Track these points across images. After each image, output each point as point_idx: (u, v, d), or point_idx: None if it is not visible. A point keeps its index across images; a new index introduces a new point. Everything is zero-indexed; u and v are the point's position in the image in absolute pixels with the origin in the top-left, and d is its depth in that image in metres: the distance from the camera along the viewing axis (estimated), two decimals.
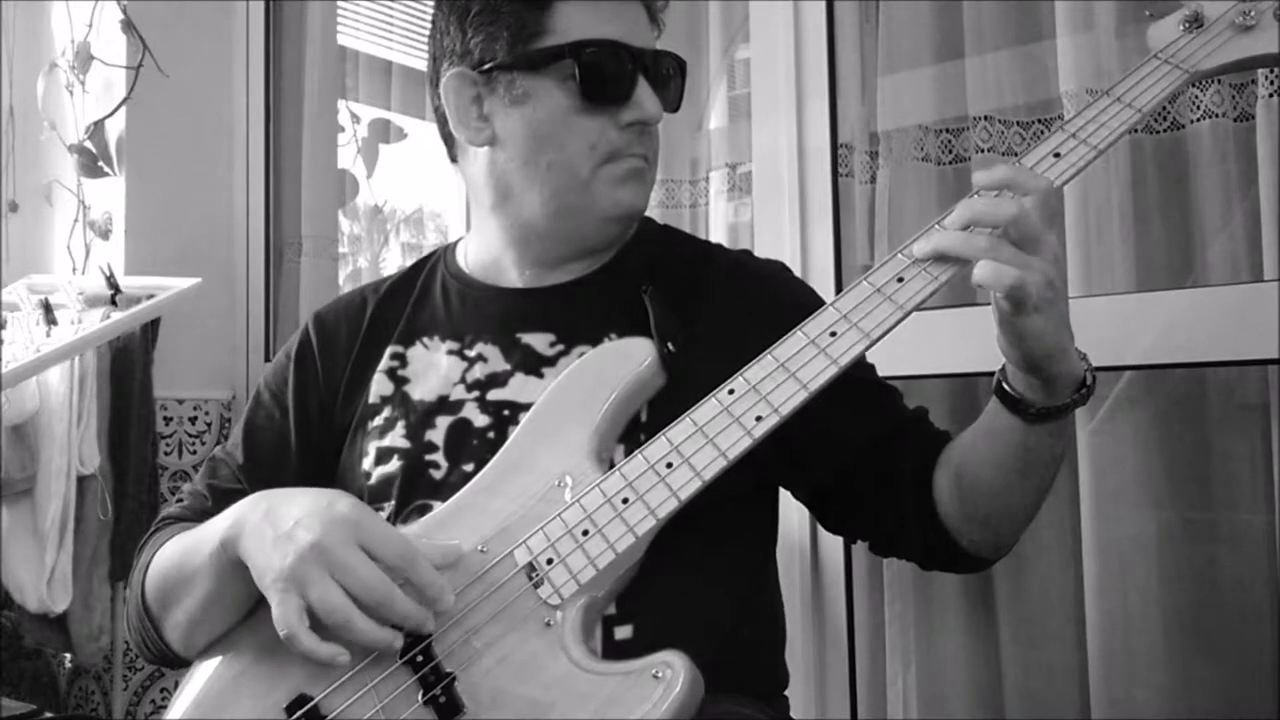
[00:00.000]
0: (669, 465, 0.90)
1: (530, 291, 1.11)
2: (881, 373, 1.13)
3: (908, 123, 1.67)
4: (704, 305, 1.08)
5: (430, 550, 0.89)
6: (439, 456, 1.04)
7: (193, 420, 2.37)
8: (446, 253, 1.20)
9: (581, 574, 0.88)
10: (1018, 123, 1.57)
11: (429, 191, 3.26)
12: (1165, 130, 1.45)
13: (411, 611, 0.85)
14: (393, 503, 1.04)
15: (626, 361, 0.99)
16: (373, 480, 1.06)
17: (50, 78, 2.38)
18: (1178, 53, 0.96)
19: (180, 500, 1.14)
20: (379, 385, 1.11)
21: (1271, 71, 1.33)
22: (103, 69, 2.34)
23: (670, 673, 0.81)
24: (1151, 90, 0.94)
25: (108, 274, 2.03)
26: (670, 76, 1.08)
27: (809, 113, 1.68)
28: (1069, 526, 1.48)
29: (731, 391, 0.91)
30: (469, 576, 0.89)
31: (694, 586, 0.98)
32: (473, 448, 1.03)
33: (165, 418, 2.31)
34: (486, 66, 1.05)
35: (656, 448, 0.91)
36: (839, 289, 1.59)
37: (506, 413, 1.04)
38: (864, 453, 1.05)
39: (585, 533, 0.89)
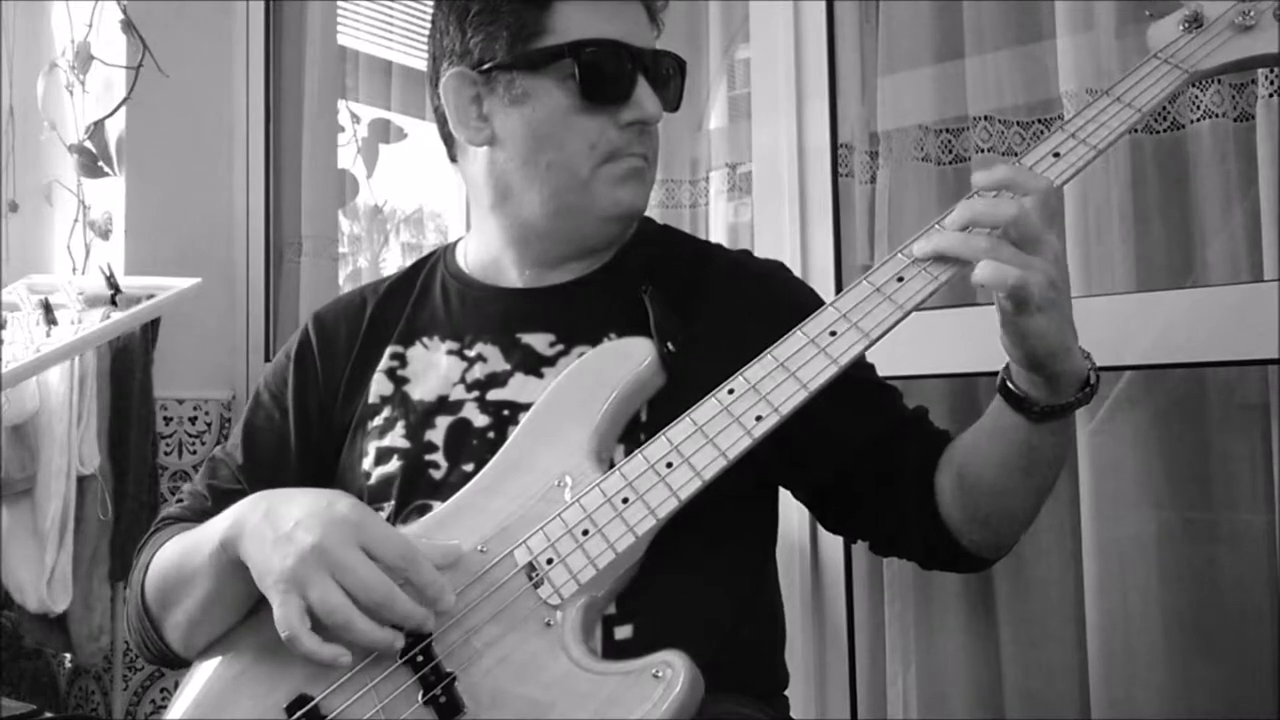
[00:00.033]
0: (669, 465, 0.90)
1: (530, 291, 1.11)
2: (881, 373, 1.13)
3: (908, 123, 1.67)
4: (704, 305, 1.08)
5: (430, 550, 0.89)
6: (439, 456, 1.04)
7: (193, 420, 2.37)
8: (446, 253, 1.20)
9: (581, 574, 0.88)
10: (1018, 123, 1.57)
11: (429, 191, 3.26)
12: (1165, 130, 1.45)
13: (412, 611, 0.85)
14: (392, 503, 1.04)
15: (626, 361, 0.99)
16: (372, 480, 1.06)
17: (50, 78, 2.38)
18: (1177, 53, 0.96)
19: (180, 500, 1.14)
20: (379, 385, 1.11)
21: (1271, 71, 1.33)
22: (103, 69, 2.34)
23: (670, 672, 0.81)
24: (1151, 90, 0.94)
25: (108, 274, 2.03)
26: (670, 76, 1.08)
27: (809, 113, 1.68)
28: (1069, 527, 1.48)
29: (731, 391, 0.91)
30: (469, 576, 0.89)
31: (694, 586, 0.98)
32: (472, 448, 1.03)
33: (165, 418, 2.31)
34: (486, 66, 1.05)
35: (656, 447, 0.91)
36: (839, 289, 1.58)
37: (506, 413, 1.04)
38: (864, 452, 1.05)
39: (585, 532, 0.89)
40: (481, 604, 0.88)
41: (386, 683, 0.86)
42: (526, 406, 1.01)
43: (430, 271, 1.19)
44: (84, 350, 2.00)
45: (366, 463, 1.08)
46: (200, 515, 1.05)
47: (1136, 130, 1.45)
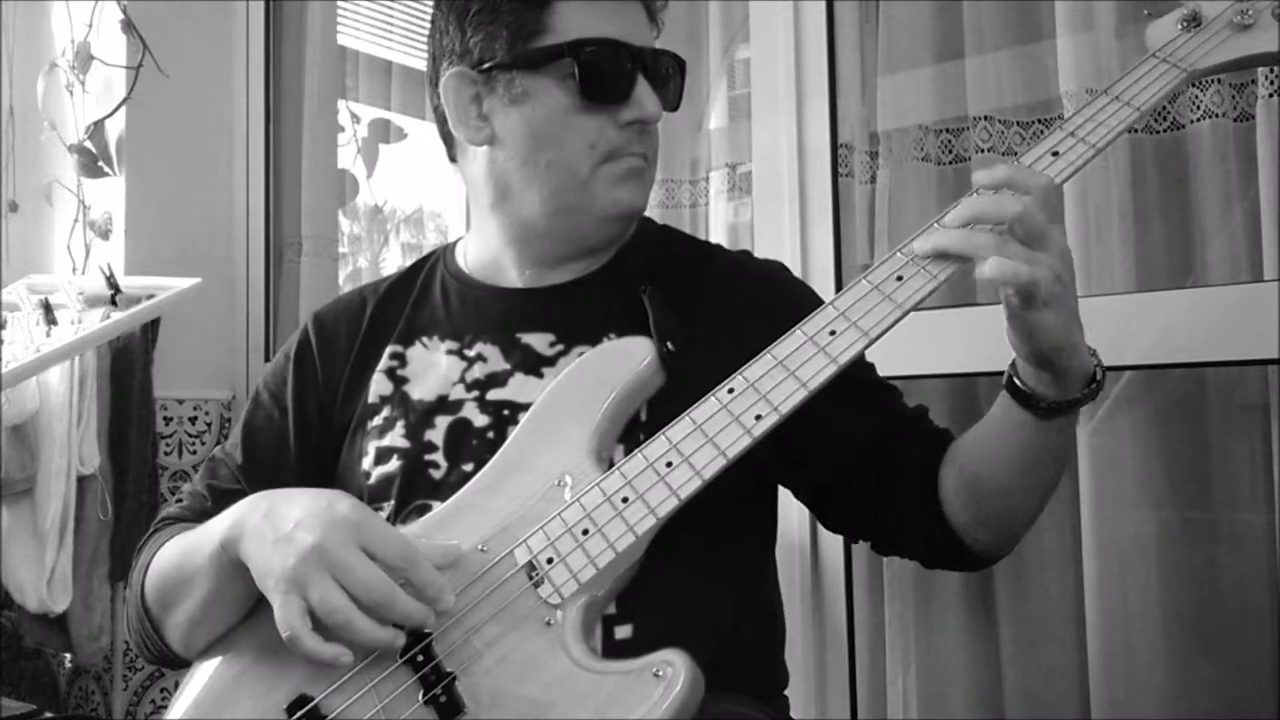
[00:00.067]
0: (669, 464, 0.90)
1: (530, 291, 1.11)
2: (881, 373, 1.13)
3: (908, 123, 1.67)
4: (703, 305, 1.08)
5: (430, 550, 0.88)
6: (438, 456, 1.04)
7: (193, 420, 2.37)
8: (446, 252, 1.20)
9: (581, 573, 0.88)
10: (1018, 123, 1.57)
11: (429, 191, 3.27)
12: (1165, 130, 1.45)
13: (412, 611, 0.85)
14: (392, 502, 1.04)
15: (626, 361, 0.99)
16: (372, 480, 1.06)
17: (50, 78, 2.38)
18: (1175, 51, 0.96)
19: (179, 500, 1.14)
20: (378, 385, 1.11)
21: (1271, 71, 1.33)
22: (103, 69, 2.34)
23: (671, 671, 0.81)
24: (1150, 89, 0.95)
25: (108, 274, 2.03)
26: (669, 75, 1.09)
27: (809, 113, 1.68)
28: (1069, 527, 1.48)
29: (731, 390, 0.91)
30: (469, 576, 0.89)
31: (694, 585, 0.98)
32: (472, 447, 1.03)
33: (165, 418, 2.31)
34: (486, 66, 1.05)
35: (656, 446, 0.91)
36: (839, 289, 1.58)
37: (506, 412, 1.04)
38: (863, 451, 1.05)
39: (585, 532, 0.89)
40: (482, 603, 0.88)
41: (387, 682, 0.86)
42: (526, 406, 1.01)
43: (430, 271, 1.19)
44: (84, 350, 2.00)
45: (366, 462, 1.08)
46: (200, 515, 1.05)
47: (1136, 130, 1.45)
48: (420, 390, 1.08)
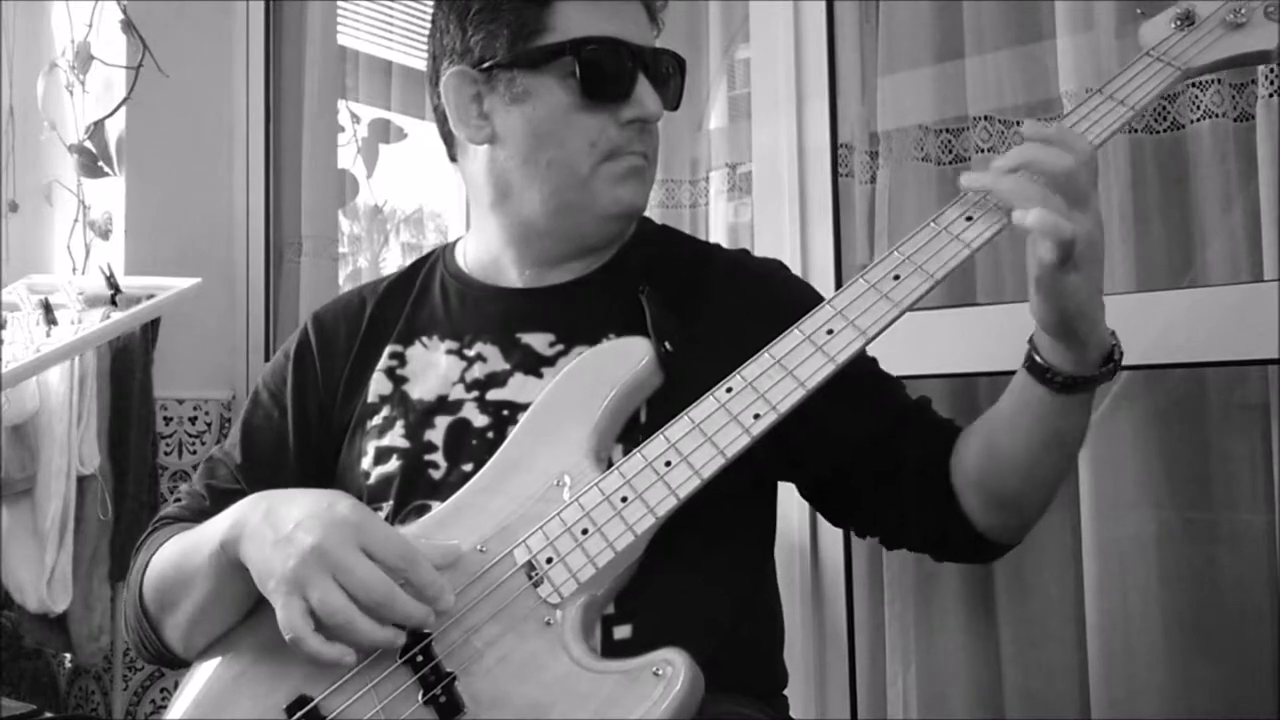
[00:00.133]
0: (667, 463, 0.90)
1: (530, 291, 1.11)
2: None
3: (908, 123, 1.67)
4: (703, 305, 1.08)
5: (430, 550, 0.88)
6: (438, 456, 1.04)
7: (193, 420, 2.37)
8: (445, 252, 1.20)
9: (581, 572, 0.88)
10: (1018, 123, 1.57)
11: (429, 191, 3.27)
12: (1165, 130, 1.45)
13: (413, 611, 0.84)
14: (391, 502, 1.04)
15: (625, 361, 0.99)
16: (372, 480, 1.06)
17: (50, 78, 2.38)
18: (1169, 50, 0.97)
19: (178, 500, 1.14)
20: (378, 385, 1.11)
21: (1271, 71, 1.33)
22: (103, 69, 2.34)
23: (671, 670, 0.81)
24: (1144, 88, 0.95)
25: (108, 274, 2.03)
26: (670, 75, 1.09)
27: (809, 113, 1.68)
28: (1069, 526, 1.48)
29: (729, 389, 0.91)
30: (468, 576, 0.89)
31: (693, 585, 0.98)
32: (472, 447, 1.03)
33: (165, 418, 2.31)
34: (487, 65, 1.05)
35: (655, 446, 0.91)
36: (839, 289, 1.58)
37: (505, 412, 1.04)
38: (862, 450, 1.05)
39: (584, 531, 0.89)
40: (481, 603, 0.88)
41: (386, 683, 0.86)
42: (526, 406, 1.01)
43: (429, 271, 1.19)
44: (84, 350, 2.00)
45: (366, 462, 1.07)
46: (198, 515, 1.04)
47: (1136, 130, 1.45)
48: (420, 390, 1.08)
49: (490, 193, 1.09)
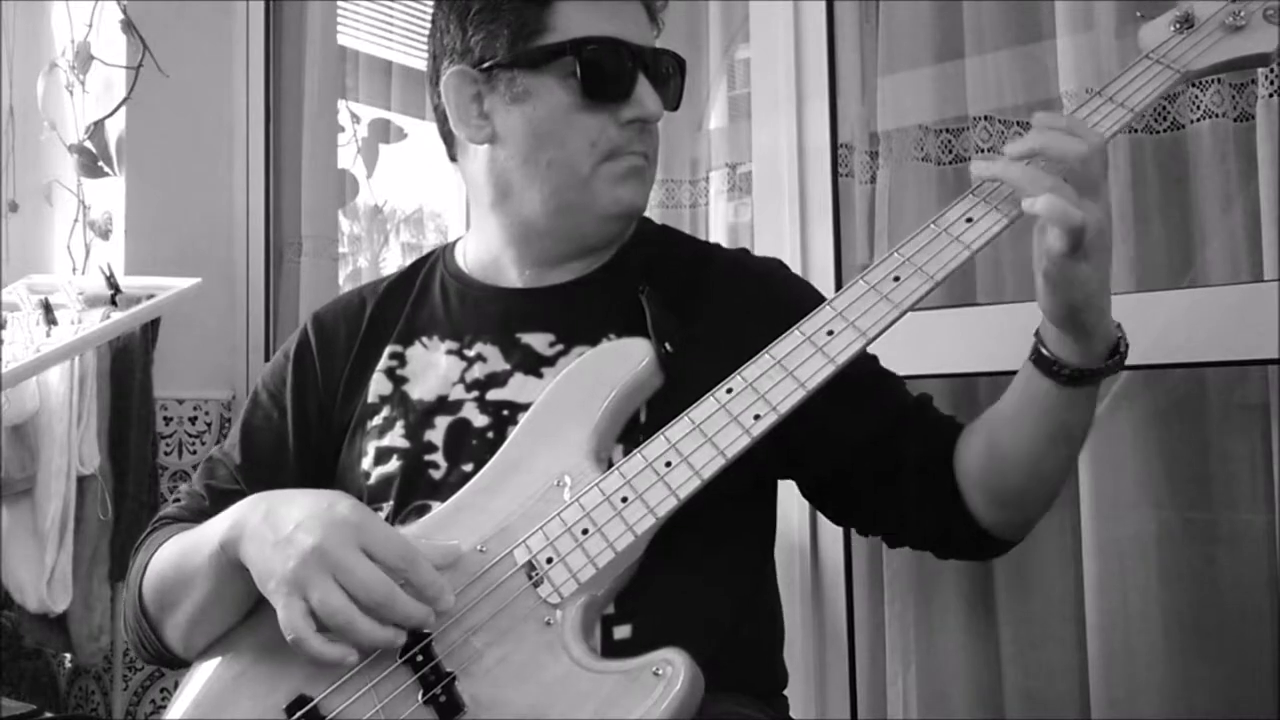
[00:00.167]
0: (668, 464, 0.90)
1: (530, 291, 1.11)
2: None
3: (908, 123, 1.67)
4: (703, 305, 1.08)
5: (430, 551, 0.88)
6: (438, 456, 1.04)
7: (193, 420, 2.37)
8: (445, 252, 1.20)
9: (581, 573, 0.88)
10: (1018, 123, 1.57)
11: (429, 191, 3.27)
12: (1165, 130, 1.45)
13: (413, 611, 0.84)
14: (391, 503, 1.04)
15: (625, 362, 0.99)
16: (372, 480, 1.06)
17: (50, 78, 2.38)
18: (1168, 53, 0.97)
19: (177, 500, 1.14)
20: (378, 385, 1.11)
21: (1271, 71, 1.33)
22: (103, 69, 2.34)
23: (671, 670, 0.81)
24: (1143, 90, 0.95)
25: (108, 274, 2.03)
26: (670, 75, 1.09)
27: (809, 113, 1.68)
28: (1069, 526, 1.48)
29: (729, 390, 0.91)
30: (468, 576, 0.89)
31: (693, 585, 0.98)
32: (472, 448, 1.03)
33: (165, 418, 2.31)
34: (487, 64, 1.05)
35: (655, 446, 0.91)
36: (839, 289, 1.58)
37: (506, 413, 1.04)
38: (862, 451, 1.05)
39: (584, 531, 0.89)
40: (481, 603, 0.88)
41: (386, 682, 0.86)
42: (526, 406, 1.01)
43: (429, 271, 1.19)
44: (84, 350, 2.00)
45: (366, 462, 1.07)
46: (198, 515, 1.05)
47: (1136, 130, 1.45)
48: (420, 390, 1.08)
49: (490, 193, 1.10)
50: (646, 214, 1.15)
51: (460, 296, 1.14)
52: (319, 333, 1.17)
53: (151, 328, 2.17)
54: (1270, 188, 1.33)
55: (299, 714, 0.87)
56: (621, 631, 0.93)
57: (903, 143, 1.67)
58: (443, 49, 1.09)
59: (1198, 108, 1.41)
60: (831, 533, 1.61)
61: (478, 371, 1.07)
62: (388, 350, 1.12)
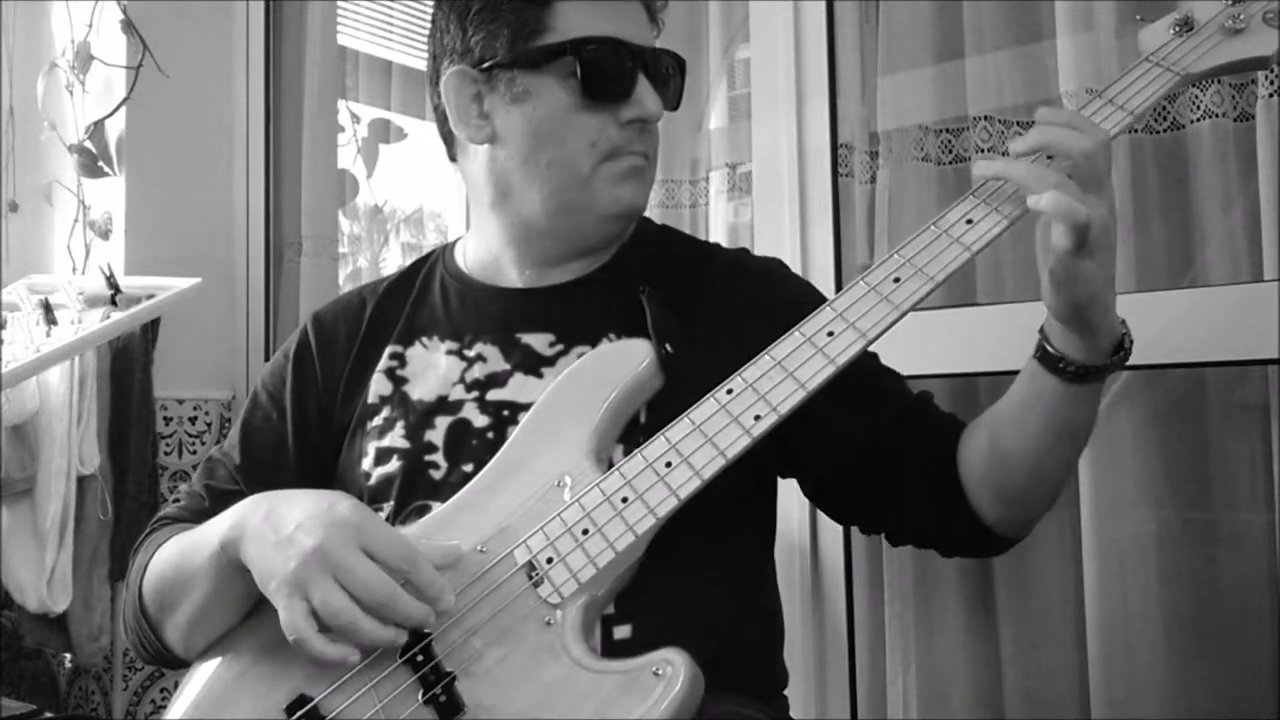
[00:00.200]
0: (668, 464, 0.90)
1: (530, 291, 1.11)
2: None
3: (908, 123, 1.67)
4: (703, 305, 1.08)
5: (430, 551, 0.89)
6: (438, 457, 1.04)
7: (193, 420, 2.37)
8: (445, 252, 1.20)
9: (581, 573, 0.88)
10: (1018, 123, 1.57)
11: (429, 191, 3.27)
12: (1165, 130, 1.45)
13: (414, 611, 0.84)
14: (392, 503, 1.04)
15: (625, 362, 0.99)
16: (372, 480, 1.06)
17: (50, 78, 2.38)
18: (1168, 55, 0.97)
19: (176, 500, 1.14)
20: (378, 385, 1.11)
21: (1271, 72, 1.34)
22: (103, 69, 2.34)
23: (671, 670, 0.81)
24: (1143, 93, 0.95)
25: (108, 274, 2.03)
26: (670, 75, 1.09)
27: (809, 113, 1.68)
28: (1069, 527, 1.48)
29: (730, 391, 0.91)
30: (469, 576, 0.89)
31: (693, 585, 0.98)
32: (472, 448, 1.03)
33: (165, 418, 2.31)
34: (487, 64, 1.05)
35: (655, 447, 0.91)
36: (839, 289, 1.58)
37: (506, 413, 1.04)
38: (862, 451, 1.05)
39: (585, 532, 0.89)
40: (481, 603, 0.88)
41: (386, 682, 0.86)
42: (526, 406, 1.01)
43: (429, 271, 1.19)
44: (84, 350, 2.00)
45: (366, 463, 1.07)
46: (198, 516, 1.05)
47: (1136, 130, 1.45)
48: (420, 390, 1.08)
49: (490, 192, 1.10)
50: (646, 214, 1.15)
51: (460, 296, 1.14)
52: (319, 333, 1.17)
53: (151, 328, 2.17)
54: (1270, 188, 1.33)
55: (299, 714, 0.87)
56: (621, 631, 0.93)
57: (903, 143, 1.67)
58: (443, 49, 1.09)
59: (1198, 108, 1.41)
60: (831, 533, 1.61)
61: (478, 372, 1.07)
62: (388, 350, 1.12)
